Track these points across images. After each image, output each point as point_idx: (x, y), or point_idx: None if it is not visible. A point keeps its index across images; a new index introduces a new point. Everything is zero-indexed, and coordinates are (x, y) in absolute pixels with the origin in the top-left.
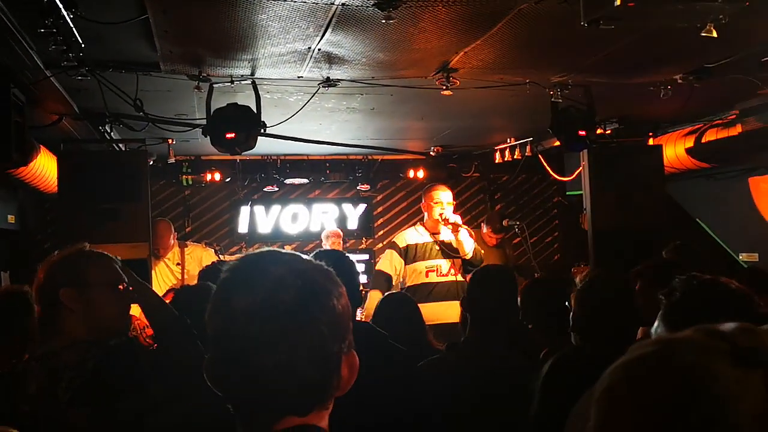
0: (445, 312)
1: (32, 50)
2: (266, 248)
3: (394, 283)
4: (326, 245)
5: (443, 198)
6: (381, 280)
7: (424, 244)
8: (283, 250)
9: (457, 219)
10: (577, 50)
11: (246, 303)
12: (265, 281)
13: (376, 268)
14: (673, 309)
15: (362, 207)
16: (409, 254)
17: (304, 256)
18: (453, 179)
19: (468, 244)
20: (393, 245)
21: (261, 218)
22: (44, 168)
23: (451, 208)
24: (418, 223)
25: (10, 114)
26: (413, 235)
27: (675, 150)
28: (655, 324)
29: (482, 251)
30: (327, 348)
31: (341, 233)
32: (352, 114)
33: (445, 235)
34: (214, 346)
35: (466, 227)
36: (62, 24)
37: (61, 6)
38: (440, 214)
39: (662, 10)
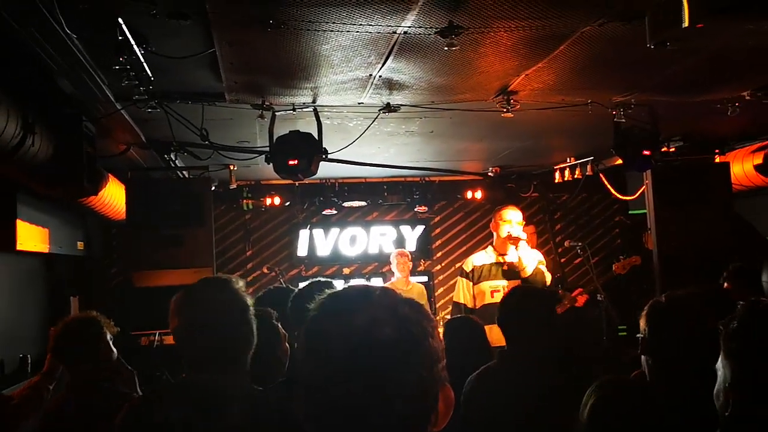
0: None
1: (104, 84)
2: (352, 284)
3: (472, 307)
4: (394, 265)
5: (511, 217)
6: (456, 311)
7: (488, 265)
8: (369, 284)
9: (520, 235)
10: (640, 70)
11: (342, 347)
12: (360, 322)
13: (453, 299)
14: (730, 337)
15: (420, 228)
16: (475, 275)
17: (391, 290)
18: (511, 199)
19: (529, 263)
20: (461, 272)
21: (320, 241)
22: (112, 196)
23: (520, 227)
24: (489, 245)
25: (82, 146)
26: (480, 257)
27: (743, 167)
28: (720, 359)
29: (548, 275)
30: (426, 387)
31: (408, 254)
32: (410, 137)
33: (512, 255)
34: (309, 389)
35: (538, 252)
36: (134, 59)
37: (133, 42)
38: (508, 233)
39: (731, 29)
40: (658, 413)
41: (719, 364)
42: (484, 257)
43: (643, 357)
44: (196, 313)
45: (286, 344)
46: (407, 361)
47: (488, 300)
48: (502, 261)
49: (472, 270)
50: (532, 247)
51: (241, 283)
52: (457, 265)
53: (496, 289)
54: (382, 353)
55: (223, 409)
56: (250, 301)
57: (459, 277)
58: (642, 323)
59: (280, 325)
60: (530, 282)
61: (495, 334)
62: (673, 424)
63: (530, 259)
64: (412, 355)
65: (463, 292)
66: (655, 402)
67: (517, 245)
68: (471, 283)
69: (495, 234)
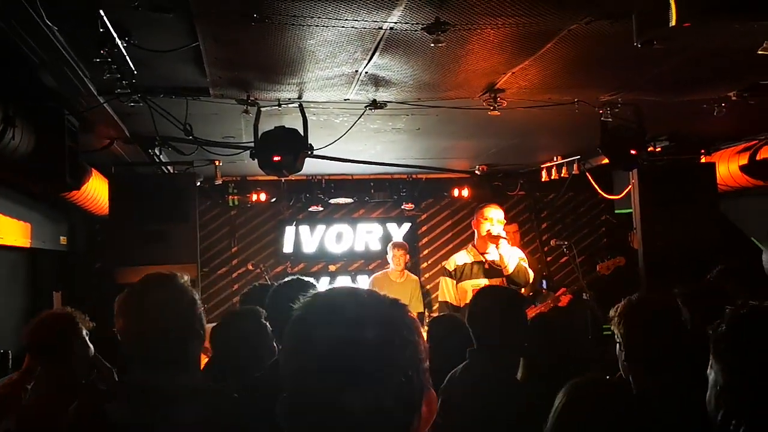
0: None
1: (86, 78)
2: (337, 286)
3: (457, 305)
4: (389, 256)
5: (493, 215)
6: (444, 310)
7: (469, 264)
8: (355, 286)
9: (500, 233)
10: (627, 69)
11: (328, 345)
12: (345, 321)
13: (439, 299)
14: (719, 341)
15: (407, 226)
16: (457, 274)
17: (376, 292)
18: (498, 198)
19: (510, 261)
20: (444, 271)
21: (306, 238)
22: (96, 191)
23: (501, 226)
24: (471, 244)
25: (64, 140)
26: (462, 257)
27: (728, 167)
28: (710, 363)
29: (530, 272)
30: (412, 388)
31: (405, 246)
32: (397, 134)
33: (493, 254)
34: (294, 387)
35: (519, 249)
36: (116, 53)
37: (115, 35)
38: (488, 231)
39: (719, 30)
40: (632, 416)
41: (710, 370)
42: (465, 256)
43: (622, 362)
44: (141, 311)
45: (273, 344)
46: (395, 362)
47: (470, 298)
48: (483, 260)
49: (455, 269)
50: (513, 246)
51: (186, 278)
52: (445, 263)
53: (477, 288)
54: (369, 354)
55: (172, 407)
56: (196, 295)
57: (443, 277)
58: (618, 329)
59: (268, 324)
60: (513, 279)
61: None
62: (647, 427)
63: (512, 257)
64: (399, 355)
65: (447, 291)
66: (629, 404)
67: (498, 244)
68: (454, 282)
69: (476, 232)
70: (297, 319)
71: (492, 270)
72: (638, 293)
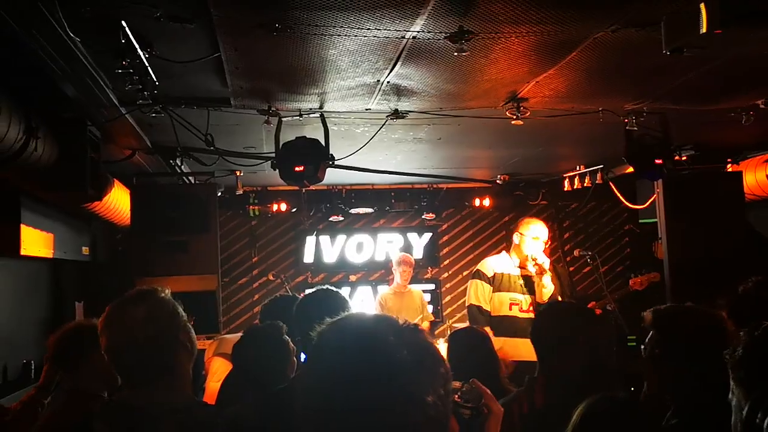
0: (530, 349)
1: (108, 88)
2: (355, 312)
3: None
4: (396, 270)
5: (542, 235)
6: (477, 314)
7: (510, 275)
8: (365, 313)
9: (545, 262)
10: (654, 77)
11: (354, 367)
12: (372, 342)
13: (467, 303)
14: (735, 366)
15: (427, 236)
16: (496, 282)
17: (394, 317)
18: (519, 207)
19: (547, 292)
20: (478, 275)
21: (326, 248)
22: (117, 201)
23: (543, 247)
24: (504, 251)
25: (86, 151)
26: (499, 263)
27: (756, 176)
28: (731, 389)
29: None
30: (444, 411)
31: (412, 261)
32: (418, 144)
33: (530, 271)
34: (320, 412)
35: (551, 273)
36: (138, 63)
37: (137, 46)
38: (534, 259)
39: (750, 37)
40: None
41: (731, 395)
42: (501, 264)
43: (650, 374)
44: (121, 327)
45: (294, 358)
46: (427, 384)
47: (506, 312)
48: (523, 274)
49: (494, 276)
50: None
51: (166, 291)
52: (466, 273)
53: (515, 302)
54: (404, 374)
55: (153, 427)
56: (179, 308)
57: (476, 280)
58: (648, 339)
59: (289, 340)
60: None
61: (510, 348)
62: None
63: (549, 290)
64: (430, 377)
65: (482, 295)
66: (645, 426)
67: (542, 276)
68: (491, 289)
69: (515, 244)
70: (325, 342)
71: (529, 285)
72: (668, 303)
